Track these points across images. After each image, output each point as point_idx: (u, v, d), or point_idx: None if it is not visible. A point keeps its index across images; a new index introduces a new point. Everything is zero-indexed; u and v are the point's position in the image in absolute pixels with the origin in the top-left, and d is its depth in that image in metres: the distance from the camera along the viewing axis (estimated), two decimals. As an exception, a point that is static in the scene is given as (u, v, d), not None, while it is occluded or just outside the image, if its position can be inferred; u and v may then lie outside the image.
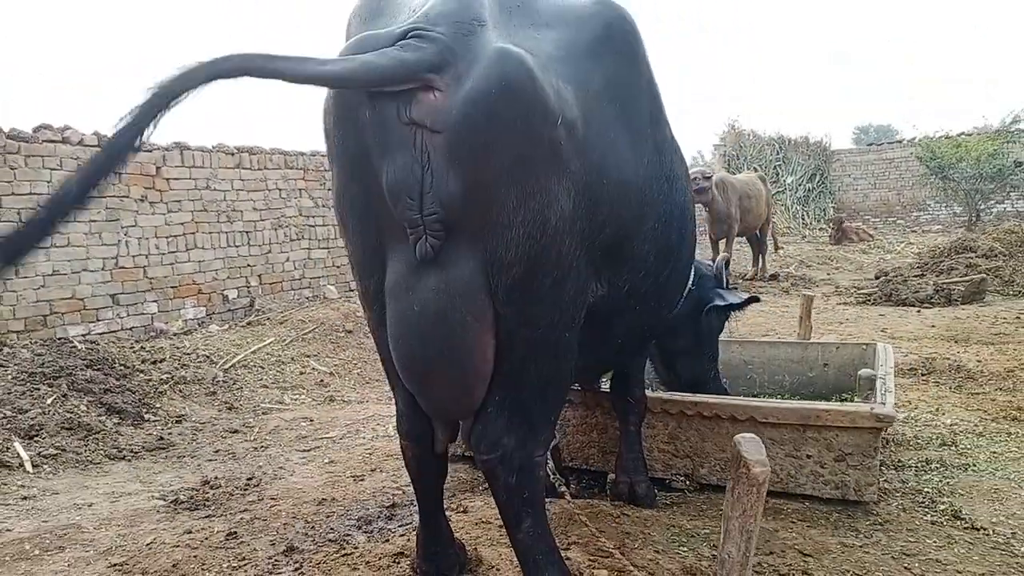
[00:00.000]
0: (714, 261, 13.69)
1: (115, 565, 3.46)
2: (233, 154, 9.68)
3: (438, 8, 2.28)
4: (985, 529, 3.57)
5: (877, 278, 12.31)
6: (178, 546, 3.64)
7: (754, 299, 4.43)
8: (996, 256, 11.45)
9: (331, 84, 2.28)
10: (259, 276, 9.95)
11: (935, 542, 3.45)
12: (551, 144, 2.26)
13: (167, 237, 8.75)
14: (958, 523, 3.64)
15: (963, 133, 22.55)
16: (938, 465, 4.36)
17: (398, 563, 3.28)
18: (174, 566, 3.41)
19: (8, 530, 3.89)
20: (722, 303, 4.25)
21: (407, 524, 3.81)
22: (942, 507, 3.80)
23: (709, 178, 12.76)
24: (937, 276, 11.15)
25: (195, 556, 3.51)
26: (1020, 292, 10.58)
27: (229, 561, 3.46)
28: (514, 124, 2.19)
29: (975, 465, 4.37)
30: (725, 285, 4.45)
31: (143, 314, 8.41)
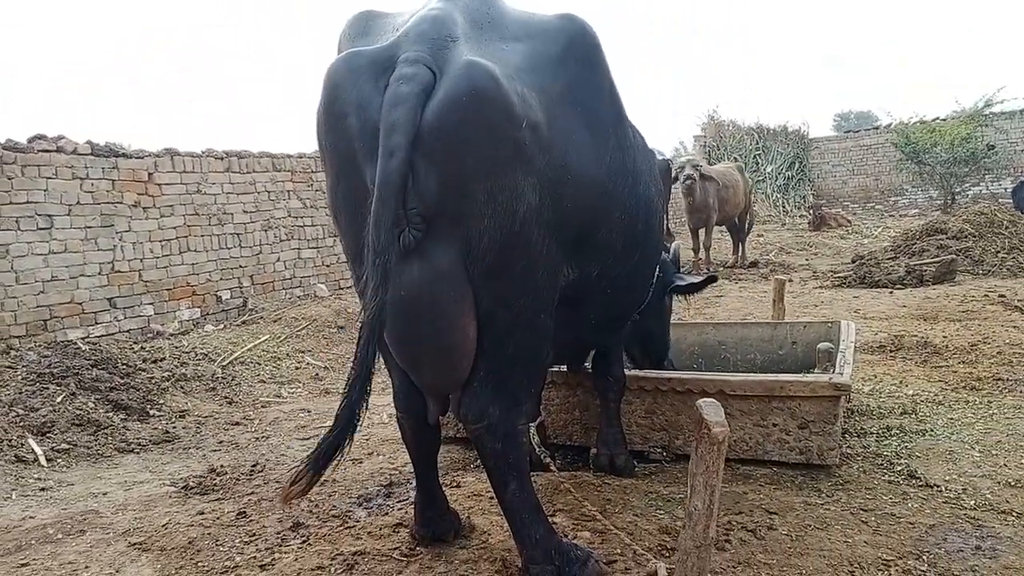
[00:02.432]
0: (696, 251, 13.99)
1: (135, 544, 3.72)
2: (222, 158, 9.90)
3: (416, 28, 2.63)
4: (938, 486, 3.87)
5: (853, 262, 12.66)
6: (192, 525, 3.90)
7: (712, 279, 4.79)
8: (966, 237, 11.78)
9: (407, 161, 2.46)
10: (251, 277, 10.18)
11: (891, 499, 3.75)
12: (516, 144, 2.54)
13: (160, 241, 8.97)
14: (913, 482, 3.94)
15: (937, 118, 22.97)
16: (898, 431, 4.67)
17: (397, 532, 3.56)
18: (190, 543, 3.68)
19: (31, 517, 4.15)
20: (683, 283, 4.58)
21: (404, 500, 4.07)
22: (899, 468, 4.10)
23: (698, 167, 13.11)
24: (909, 258, 11.47)
25: (209, 533, 3.78)
26: (989, 271, 10.91)
27: (241, 537, 3.72)
28: (482, 127, 2.48)
29: (933, 430, 4.67)
30: (679, 269, 4.82)
31: (140, 316, 8.63)
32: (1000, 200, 18.32)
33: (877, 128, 25.69)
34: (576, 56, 2.92)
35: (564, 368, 4.49)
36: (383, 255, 2.45)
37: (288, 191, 10.83)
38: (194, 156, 9.53)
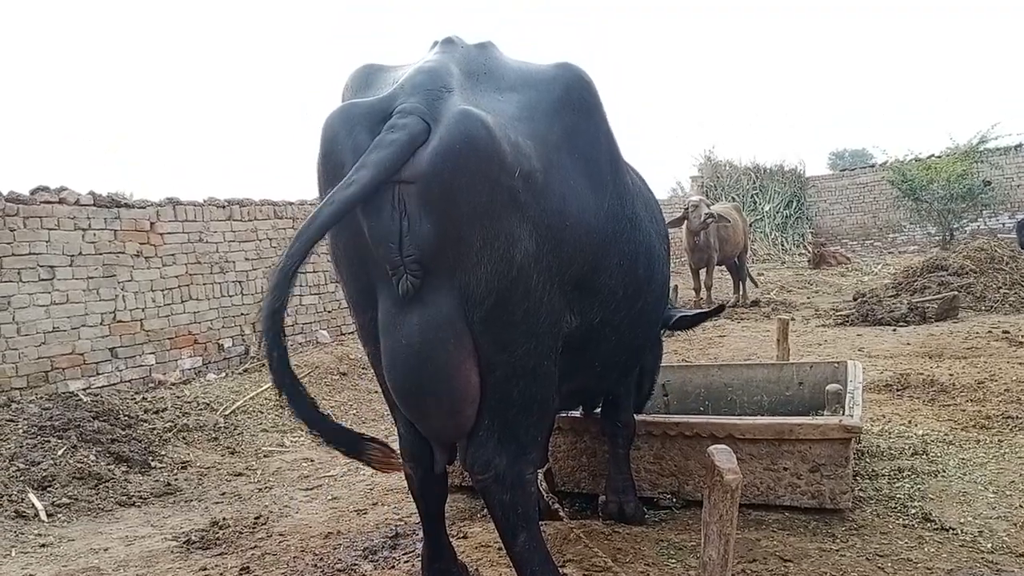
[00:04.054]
0: (696, 291, 14.03)
1: (136, 602, 3.66)
2: (224, 207, 9.94)
3: (412, 80, 2.67)
4: (954, 529, 3.81)
5: (855, 299, 12.64)
6: (195, 582, 3.84)
7: (720, 308, 4.83)
8: (967, 274, 11.78)
9: (363, 196, 2.48)
10: (253, 324, 10.14)
11: (907, 543, 3.69)
12: (510, 192, 2.56)
13: (162, 290, 8.97)
14: (928, 525, 3.89)
15: (933, 155, 23.14)
16: (910, 473, 4.61)
17: (405, 586, 3.50)
18: (193, 600, 3.61)
19: (31, 575, 4.08)
20: (689, 315, 4.58)
21: (411, 552, 4.00)
22: (913, 511, 4.05)
23: (712, 214, 13.19)
24: (911, 295, 11.47)
25: (212, 590, 3.71)
26: (991, 307, 10.89)
27: (245, 593, 3.66)
28: (475, 175, 2.49)
29: (945, 471, 4.62)
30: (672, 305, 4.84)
31: (141, 366, 8.59)
32: (999, 235, 18.34)
33: (873, 166, 25.89)
34: (572, 104, 2.95)
35: (570, 413, 4.45)
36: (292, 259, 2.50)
37: (290, 238, 10.84)
38: (196, 205, 9.57)
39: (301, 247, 2.48)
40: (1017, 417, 5.59)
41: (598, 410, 4.31)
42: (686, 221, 13.31)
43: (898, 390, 6.79)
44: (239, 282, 10.00)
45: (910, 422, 5.74)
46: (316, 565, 3.95)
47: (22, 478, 5.39)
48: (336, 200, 2.44)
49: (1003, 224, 21.22)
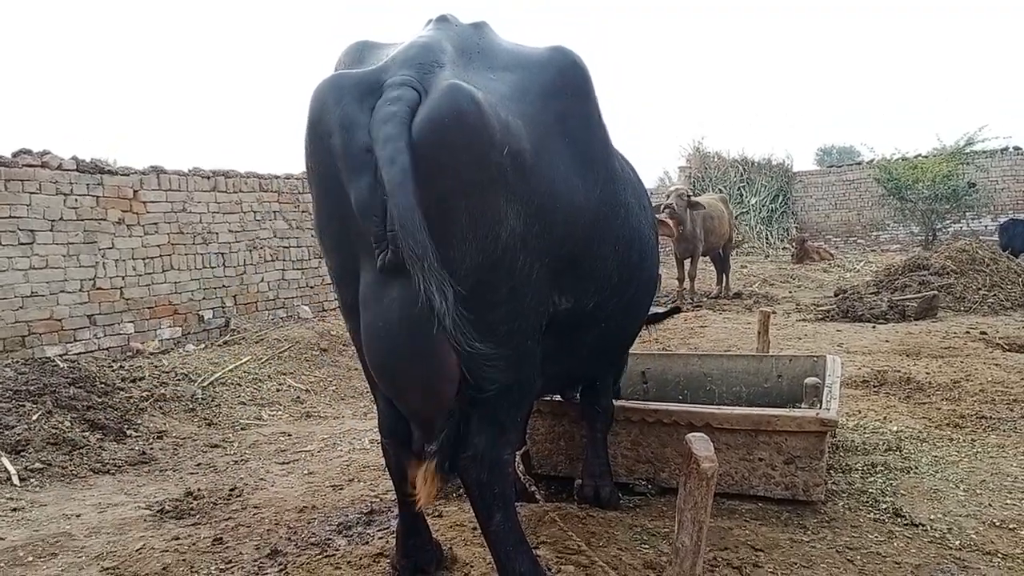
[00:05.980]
0: (680, 281, 14.05)
1: (107, 569, 3.64)
2: (209, 177, 9.86)
3: (404, 54, 2.65)
4: (923, 525, 3.84)
5: (836, 296, 12.74)
6: (167, 551, 3.82)
7: (676, 310, 4.90)
8: (948, 274, 11.87)
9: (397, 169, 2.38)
10: (234, 297, 10.11)
11: (876, 537, 3.73)
12: (498, 169, 2.52)
13: (144, 259, 8.90)
14: (899, 520, 3.92)
15: (919, 155, 23.26)
16: (883, 468, 4.65)
17: (378, 562, 3.50)
18: (164, 569, 3.59)
19: (1, 539, 4.05)
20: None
21: (386, 528, 4.01)
22: (884, 506, 4.09)
23: (685, 196, 13.22)
24: (892, 293, 11.56)
25: (184, 560, 3.69)
26: (970, 308, 10.99)
27: (216, 564, 3.64)
28: (462, 149, 2.46)
29: (917, 468, 4.66)
30: None
31: (120, 334, 8.53)
32: (981, 237, 18.47)
33: (860, 163, 25.98)
34: (565, 88, 2.93)
35: (550, 397, 4.46)
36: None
37: (274, 212, 10.80)
38: (180, 174, 9.49)
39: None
40: (990, 417, 5.65)
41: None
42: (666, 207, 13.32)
43: (875, 386, 6.84)
44: (221, 254, 9.95)
45: (885, 418, 5.79)
46: (290, 538, 3.94)
47: (-5, 442, 5.35)
48: (393, 176, 2.35)
49: (986, 226, 21.36)
